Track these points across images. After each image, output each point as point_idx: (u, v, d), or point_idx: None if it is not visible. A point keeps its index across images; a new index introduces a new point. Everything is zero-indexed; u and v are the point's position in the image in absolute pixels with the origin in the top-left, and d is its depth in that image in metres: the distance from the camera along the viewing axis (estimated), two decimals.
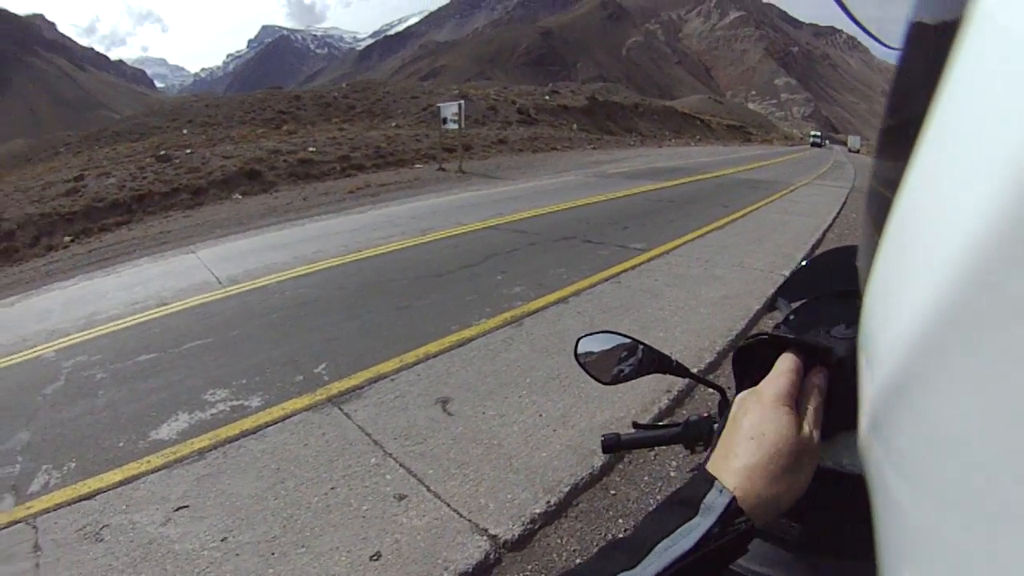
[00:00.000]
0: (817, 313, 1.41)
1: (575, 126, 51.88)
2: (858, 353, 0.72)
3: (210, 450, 4.35)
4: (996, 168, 0.35)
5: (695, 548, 0.71)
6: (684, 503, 0.75)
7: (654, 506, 0.79)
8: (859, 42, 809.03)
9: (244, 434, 4.54)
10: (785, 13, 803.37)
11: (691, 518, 0.73)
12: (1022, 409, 0.32)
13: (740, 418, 0.83)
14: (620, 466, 4.16)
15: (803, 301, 1.51)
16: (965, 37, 0.43)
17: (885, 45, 0.84)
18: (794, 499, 0.76)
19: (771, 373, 0.88)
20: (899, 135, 0.56)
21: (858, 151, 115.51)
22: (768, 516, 0.75)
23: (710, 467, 0.78)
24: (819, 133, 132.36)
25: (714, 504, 0.73)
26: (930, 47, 0.51)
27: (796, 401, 0.84)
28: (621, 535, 0.66)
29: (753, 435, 0.78)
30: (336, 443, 4.37)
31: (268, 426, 4.64)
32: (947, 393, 0.40)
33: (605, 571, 0.70)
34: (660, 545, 0.71)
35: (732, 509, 0.72)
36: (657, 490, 3.97)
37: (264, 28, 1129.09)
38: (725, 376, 5.55)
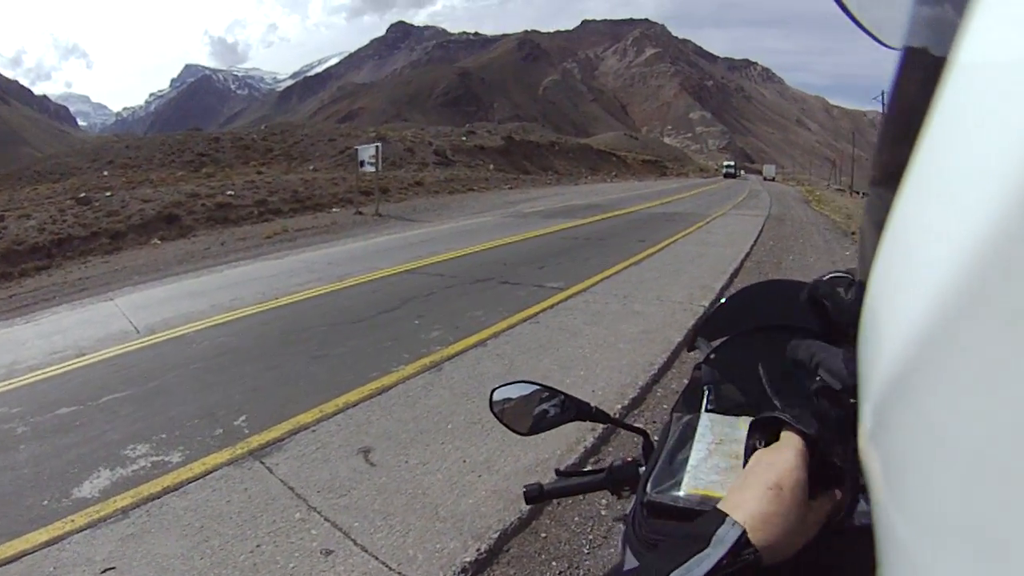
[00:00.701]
0: (738, 350, 1.41)
1: (492, 166, 52.41)
2: (857, 358, 0.71)
3: (133, 508, 4.21)
4: (997, 168, 0.35)
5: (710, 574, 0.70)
6: (695, 538, 0.75)
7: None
8: (773, 73, 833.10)
9: (166, 491, 4.40)
10: (700, 48, 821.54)
11: (702, 550, 0.72)
12: (1023, 411, 0.32)
13: (760, 471, 0.83)
14: (549, 508, 4.14)
15: (724, 339, 1.51)
16: (965, 37, 0.43)
17: (885, 45, 0.85)
18: (800, 547, 0.77)
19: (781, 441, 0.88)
20: (899, 136, 0.56)
21: (773, 179, 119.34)
22: (775, 558, 0.75)
23: (723, 506, 0.79)
24: (732, 163, 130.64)
25: (725, 537, 0.72)
26: (930, 47, 0.52)
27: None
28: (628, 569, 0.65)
29: (772, 486, 0.78)
30: (259, 498, 4.27)
31: (190, 482, 4.51)
32: (948, 396, 0.40)
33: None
34: (674, 574, 0.70)
35: (742, 542, 0.72)
36: (588, 530, 3.96)
37: (187, 67, 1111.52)
38: (649, 411, 5.63)
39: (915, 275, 0.46)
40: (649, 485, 1.03)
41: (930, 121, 0.47)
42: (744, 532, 0.72)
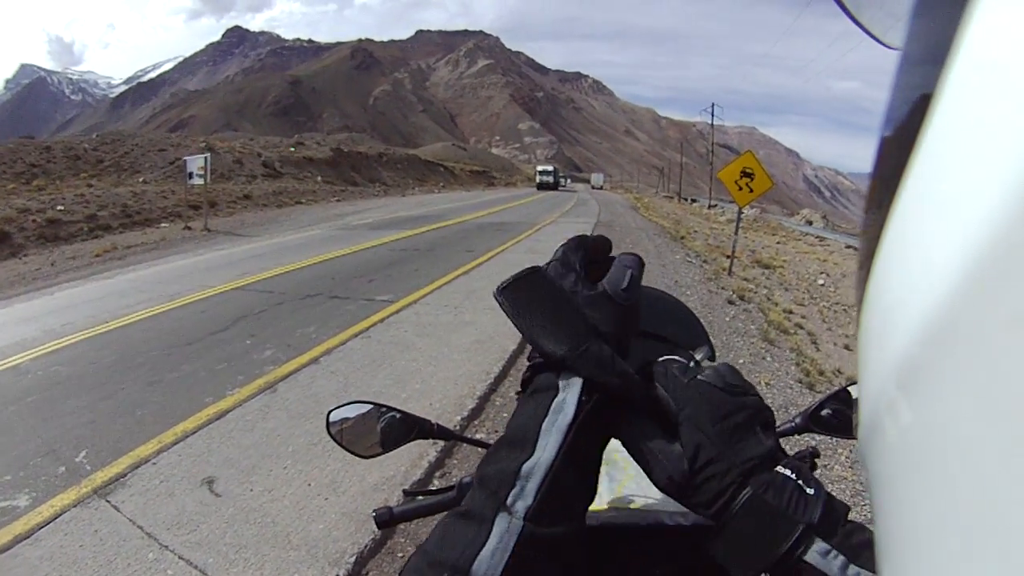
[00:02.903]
0: None
1: (320, 178, 51.57)
2: (858, 355, 0.72)
3: None
4: (998, 168, 0.36)
5: (577, 414, 0.72)
6: (538, 391, 0.77)
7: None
8: (604, 86, 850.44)
9: (17, 539, 4.18)
10: (532, 60, 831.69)
11: (554, 398, 0.74)
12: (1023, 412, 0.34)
13: None
14: (403, 527, 4.17)
15: None
16: (965, 37, 0.43)
17: (885, 45, 0.83)
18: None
19: None
20: (899, 136, 0.55)
21: (601, 187, 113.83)
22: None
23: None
24: (551, 168, 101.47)
25: (571, 381, 0.75)
26: (930, 47, 0.51)
27: None
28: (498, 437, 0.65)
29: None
30: (110, 540, 4.11)
31: (40, 527, 4.29)
32: (949, 395, 0.40)
33: (509, 468, 0.69)
34: (543, 426, 0.72)
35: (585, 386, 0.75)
36: None
37: (23, 67, 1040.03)
38: (490, 421, 5.75)
39: (916, 275, 0.47)
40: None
41: (930, 121, 0.47)
42: (585, 380, 0.75)
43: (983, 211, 0.36)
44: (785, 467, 0.74)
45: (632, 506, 1.15)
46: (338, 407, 1.42)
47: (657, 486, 0.79)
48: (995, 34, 0.39)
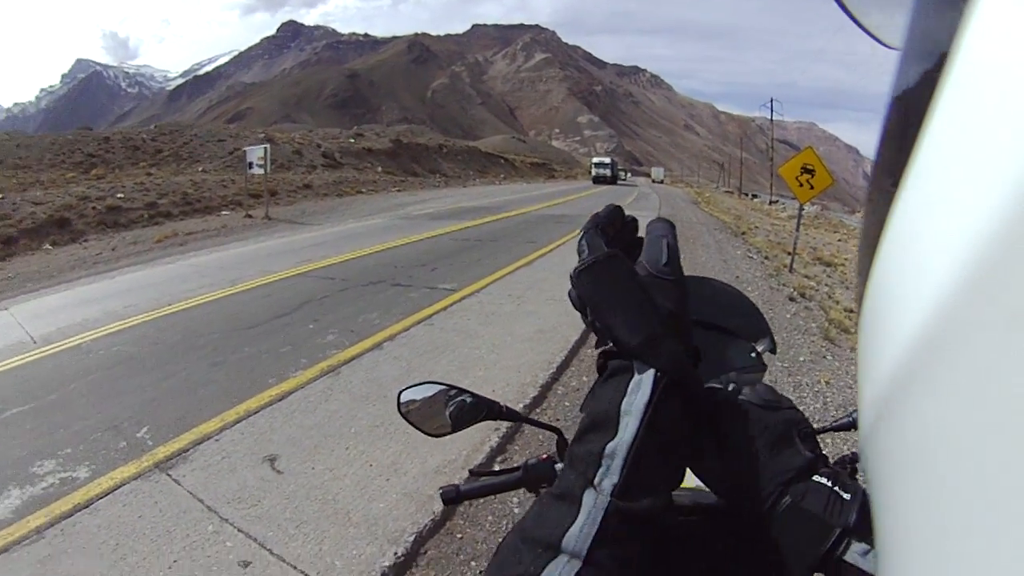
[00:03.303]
0: None
1: (380, 169, 51.82)
2: (858, 355, 0.73)
3: (47, 528, 4.06)
4: (998, 168, 0.35)
5: (653, 392, 0.75)
6: (615, 374, 0.79)
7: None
8: (662, 80, 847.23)
9: (77, 509, 4.25)
10: (590, 54, 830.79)
11: (630, 380, 0.76)
12: (1023, 411, 0.32)
13: None
14: (462, 509, 4.17)
15: None
16: (965, 37, 0.43)
17: (885, 45, 0.84)
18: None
19: None
20: (899, 136, 0.56)
21: (662, 182, 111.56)
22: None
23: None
24: (608, 160, 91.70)
25: (647, 372, 0.76)
26: (930, 47, 0.52)
27: None
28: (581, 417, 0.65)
29: None
30: (170, 512, 4.16)
31: (99, 498, 4.36)
32: (948, 395, 0.40)
33: (595, 449, 0.73)
34: (623, 407, 0.74)
35: (658, 375, 0.76)
36: (502, 528, 4.01)
37: (79, 62, 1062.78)
38: (552, 410, 5.69)
39: (915, 275, 0.46)
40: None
41: (930, 121, 0.47)
42: (657, 370, 0.76)
43: (981, 213, 0.36)
44: (823, 475, 0.79)
45: (689, 486, 1.12)
46: (409, 387, 1.42)
47: (708, 489, 0.91)
48: (995, 34, 0.40)
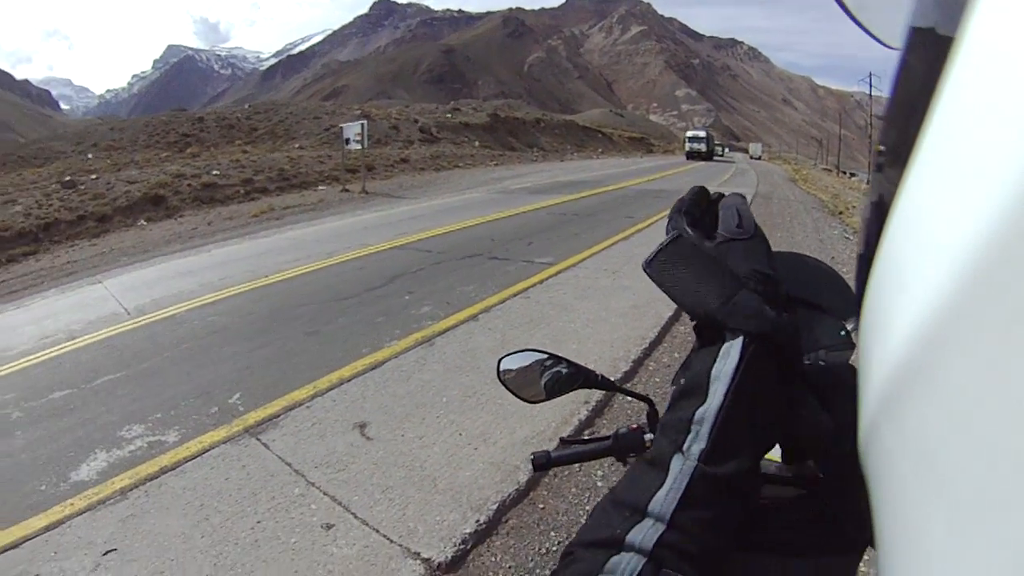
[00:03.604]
0: None
1: (477, 143, 52.01)
2: (858, 353, 0.72)
3: (132, 489, 4.19)
4: (998, 167, 0.35)
5: (741, 358, 0.74)
6: (706, 344, 0.79)
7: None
8: (759, 53, 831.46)
9: (164, 471, 4.39)
10: (686, 26, 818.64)
11: (721, 347, 0.76)
12: (1023, 410, 0.32)
13: None
14: (546, 480, 4.17)
15: None
16: (965, 37, 0.43)
17: (885, 45, 0.85)
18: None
19: None
20: (899, 135, 0.56)
21: (759, 158, 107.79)
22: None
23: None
24: (703, 133, 77.14)
25: (736, 336, 0.76)
26: (930, 47, 0.51)
27: None
28: (679, 383, 0.65)
29: None
30: (257, 475, 4.27)
31: (187, 461, 4.50)
32: (949, 394, 0.40)
33: (685, 416, 0.73)
34: (712, 373, 0.74)
35: (747, 341, 0.75)
36: (585, 500, 3.99)
37: (170, 48, 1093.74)
38: (642, 384, 5.64)
39: (916, 274, 0.46)
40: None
41: (930, 121, 0.47)
42: (744, 337, 0.75)
43: (980, 213, 0.36)
44: None
45: (775, 458, 1.10)
46: (509, 354, 1.42)
47: (799, 445, 0.91)
48: (995, 33, 0.39)
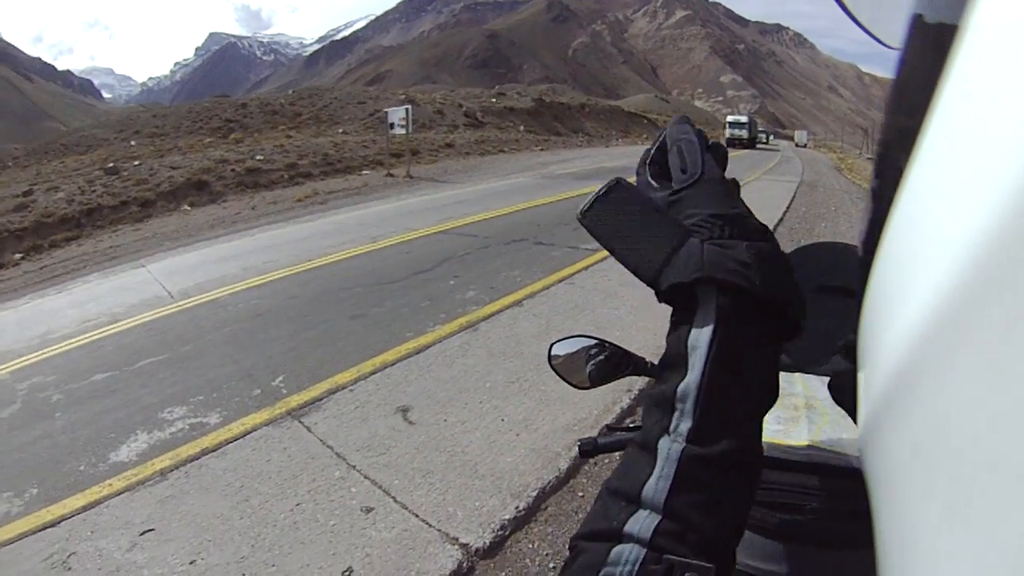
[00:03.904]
0: None
1: (522, 128, 51.81)
2: (857, 353, 0.72)
3: (172, 470, 4.25)
4: (998, 167, 0.35)
5: (717, 321, 0.67)
6: (679, 311, 0.72)
7: None
8: (805, 39, 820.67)
9: (205, 452, 4.45)
10: (731, 11, 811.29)
11: (695, 314, 0.69)
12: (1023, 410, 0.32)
13: None
14: (586, 467, 4.16)
15: None
16: (965, 36, 0.43)
17: (885, 45, 0.85)
18: None
19: None
20: (899, 134, 0.56)
21: (805, 146, 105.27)
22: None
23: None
24: (745, 119, 71.64)
25: (705, 291, 0.69)
26: (930, 47, 0.51)
27: None
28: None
29: None
30: (298, 457, 4.31)
31: (228, 443, 4.56)
32: (949, 394, 0.40)
33: (667, 393, 0.67)
34: (690, 341, 0.68)
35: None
36: None
37: (212, 35, 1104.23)
38: None
39: (916, 273, 0.46)
40: None
41: (930, 120, 0.47)
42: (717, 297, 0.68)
43: (981, 212, 0.36)
44: None
45: (827, 448, 1.10)
46: (560, 339, 1.41)
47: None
48: (994, 33, 0.40)
